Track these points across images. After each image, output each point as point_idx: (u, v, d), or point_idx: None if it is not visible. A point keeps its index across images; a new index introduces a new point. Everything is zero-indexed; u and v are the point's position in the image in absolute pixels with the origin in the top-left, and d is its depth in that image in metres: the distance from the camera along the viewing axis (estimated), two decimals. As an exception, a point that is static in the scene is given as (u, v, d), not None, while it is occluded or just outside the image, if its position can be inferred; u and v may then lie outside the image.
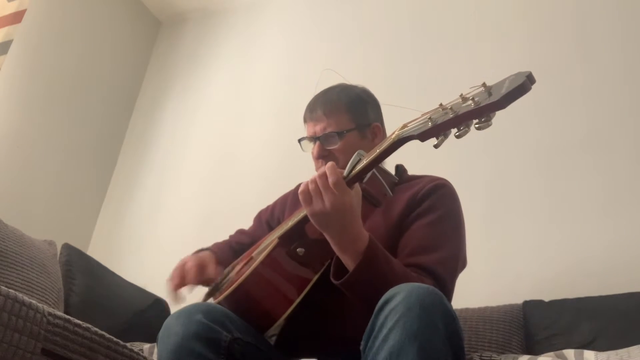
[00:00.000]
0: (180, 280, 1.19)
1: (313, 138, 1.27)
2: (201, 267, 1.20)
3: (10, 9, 2.38)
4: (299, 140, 1.31)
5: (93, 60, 2.92)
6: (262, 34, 2.97)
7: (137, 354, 1.10)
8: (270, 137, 2.60)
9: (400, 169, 1.31)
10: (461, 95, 0.77)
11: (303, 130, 1.32)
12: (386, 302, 0.82)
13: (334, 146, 1.23)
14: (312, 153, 1.27)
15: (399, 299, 0.80)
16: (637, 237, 1.72)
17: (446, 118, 0.78)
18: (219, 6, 3.19)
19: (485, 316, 1.64)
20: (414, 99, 1.90)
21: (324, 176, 0.94)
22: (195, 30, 3.25)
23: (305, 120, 1.31)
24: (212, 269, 1.21)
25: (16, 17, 2.37)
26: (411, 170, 1.31)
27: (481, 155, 2.07)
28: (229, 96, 2.89)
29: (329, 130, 1.24)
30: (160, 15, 3.38)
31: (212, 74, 3.01)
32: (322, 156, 1.24)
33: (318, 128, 1.25)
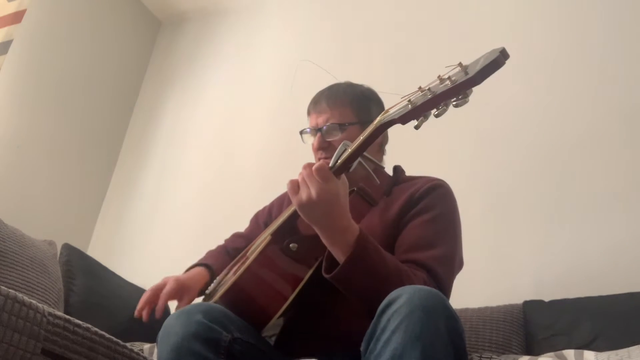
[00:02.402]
0: (149, 305, 1.18)
1: (315, 130, 1.26)
2: (180, 294, 1.20)
3: (10, 9, 2.39)
4: (301, 133, 1.30)
5: (93, 60, 2.92)
6: (261, 34, 2.97)
7: (137, 354, 1.10)
8: (269, 137, 2.60)
9: (398, 169, 1.31)
10: (439, 76, 0.78)
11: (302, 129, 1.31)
12: (388, 305, 0.81)
13: (335, 138, 1.23)
14: (312, 145, 1.26)
15: (402, 301, 0.79)
16: (637, 238, 1.72)
17: (425, 99, 0.79)
18: (219, 6, 3.19)
19: (485, 316, 1.64)
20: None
21: (309, 166, 0.94)
22: (195, 30, 3.25)
23: (308, 113, 1.31)
24: (188, 300, 1.20)
25: (16, 17, 2.37)
26: (412, 171, 1.31)
27: (481, 155, 2.07)
28: (229, 96, 2.89)
29: (331, 121, 1.24)
30: (160, 15, 3.38)
31: (212, 74, 3.01)
32: (322, 148, 1.24)
33: (320, 120, 1.25)
